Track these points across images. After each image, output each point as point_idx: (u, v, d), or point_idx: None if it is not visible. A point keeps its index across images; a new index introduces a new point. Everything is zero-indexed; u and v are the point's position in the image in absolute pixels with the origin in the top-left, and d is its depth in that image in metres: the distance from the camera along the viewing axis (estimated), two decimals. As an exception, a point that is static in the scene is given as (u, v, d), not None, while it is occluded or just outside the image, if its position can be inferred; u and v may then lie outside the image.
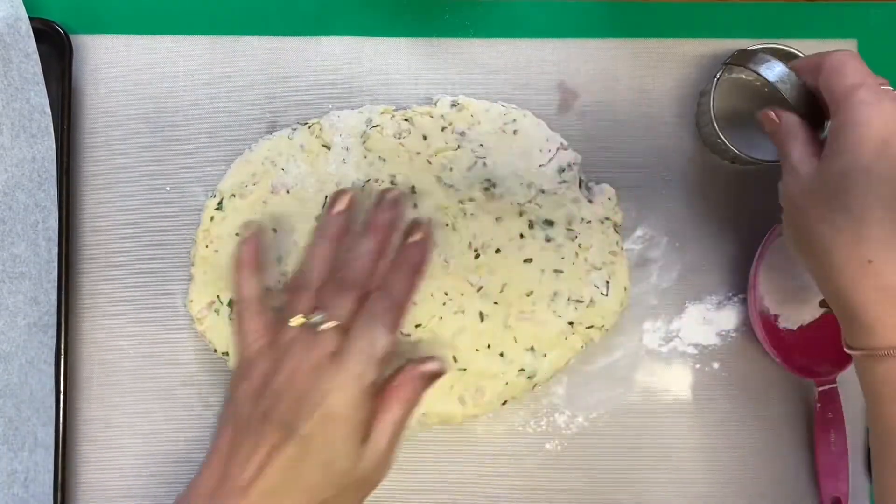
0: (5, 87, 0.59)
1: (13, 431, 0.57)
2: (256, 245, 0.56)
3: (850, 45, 0.62)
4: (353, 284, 0.52)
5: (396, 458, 0.52)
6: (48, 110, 0.59)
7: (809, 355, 0.59)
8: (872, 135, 0.45)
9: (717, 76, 0.57)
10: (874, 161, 0.45)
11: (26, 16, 0.59)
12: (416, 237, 0.55)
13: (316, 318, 0.51)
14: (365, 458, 0.50)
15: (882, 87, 0.48)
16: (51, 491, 0.57)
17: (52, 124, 0.59)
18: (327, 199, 0.58)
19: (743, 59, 0.55)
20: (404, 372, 0.52)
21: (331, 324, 0.51)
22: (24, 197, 0.58)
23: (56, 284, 0.58)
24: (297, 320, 0.52)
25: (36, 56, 0.59)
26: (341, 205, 0.56)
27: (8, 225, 0.58)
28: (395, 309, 0.52)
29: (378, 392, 0.51)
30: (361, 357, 0.50)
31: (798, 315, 0.60)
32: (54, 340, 0.58)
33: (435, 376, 0.53)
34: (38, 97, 0.59)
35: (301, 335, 0.51)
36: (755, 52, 0.55)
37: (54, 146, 0.59)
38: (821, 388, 0.58)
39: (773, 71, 0.53)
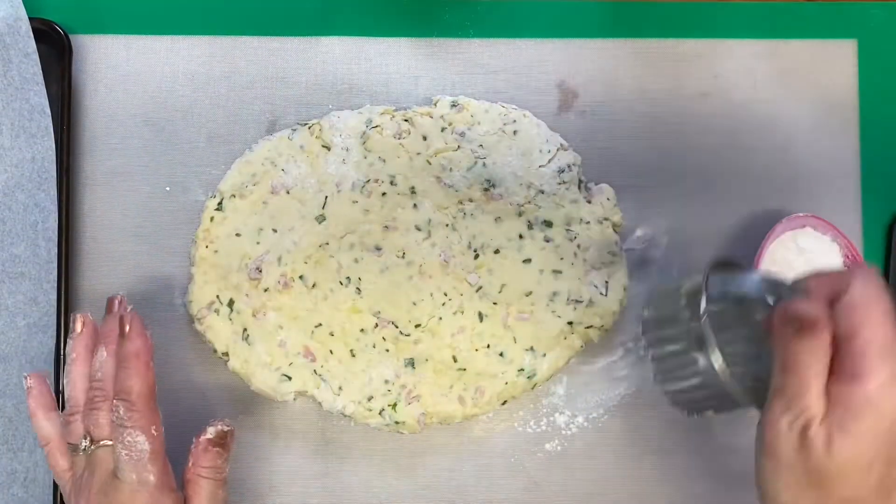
0: (5, 87, 0.59)
1: (13, 431, 0.57)
2: (39, 388, 0.54)
3: (850, 45, 0.62)
4: (103, 398, 0.51)
5: None
6: (48, 110, 0.59)
7: None
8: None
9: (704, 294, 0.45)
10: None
11: (26, 16, 0.59)
12: (127, 329, 0.52)
13: (83, 444, 0.51)
14: None
15: None
16: (51, 491, 0.57)
17: (51, 124, 0.59)
18: (326, 199, 0.58)
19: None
20: (192, 449, 0.52)
21: (98, 445, 0.50)
22: (23, 197, 0.58)
23: (56, 284, 0.58)
24: (74, 451, 0.51)
25: (35, 56, 0.59)
26: (77, 327, 0.54)
27: (8, 225, 0.58)
28: (139, 406, 0.50)
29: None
30: (130, 464, 0.49)
31: None
32: (54, 340, 0.58)
33: (221, 438, 0.52)
34: (38, 97, 0.59)
35: (87, 462, 0.51)
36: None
37: (54, 146, 0.59)
38: None
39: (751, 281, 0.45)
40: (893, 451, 0.41)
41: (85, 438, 0.51)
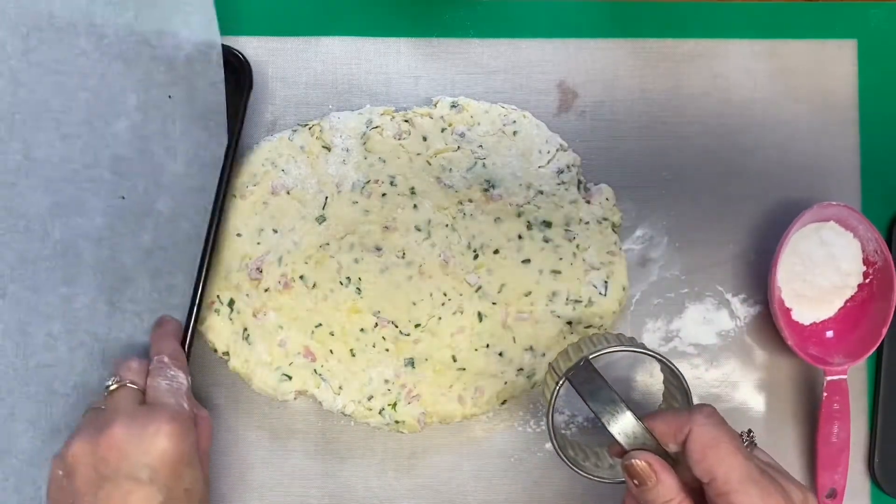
0: (187, 114, 0.57)
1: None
2: None
3: (849, 45, 0.62)
4: (135, 353, 0.54)
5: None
6: (225, 140, 0.58)
7: (822, 346, 0.59)
8: None
9: (556, 390, 0.51)
10: None
11: (220, 44, 0.58)
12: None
13: (110, 383, 0.52)
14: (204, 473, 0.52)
15: (753, 447, 0.47)
16: None
17: (223, 155, 0.58)
18: (327, 199, 0.58)
19: (582, 384, 0.48)
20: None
21: (121, 384, 0.52)
22: (187, 226, 0.57)
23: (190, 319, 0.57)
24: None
25: (222, 86, 0.58)
26: None
27: (170, 253, 0.57)
28: (176, 358, 0.54)
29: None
30: (171, 392, 0.51)
31: (810, 313, 0.60)
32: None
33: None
34: (218, 127, 0.58)
35: (104, 400, 0.52)
36: (595, 381, 0.47)
37: (219, 178, 0.58)
38: (830, 378, 0.58)
39: (618, 422, 0.46)
40: None
41: (110, 379, 0.52)
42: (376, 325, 0.58)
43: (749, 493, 0.42)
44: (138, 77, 0.55)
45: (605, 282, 0.58)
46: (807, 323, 0.60)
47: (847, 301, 0.60)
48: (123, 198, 0.55)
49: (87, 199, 0.54)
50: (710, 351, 0.61)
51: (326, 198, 0.59)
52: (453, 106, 0.60)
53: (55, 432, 0.53)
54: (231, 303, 0.58)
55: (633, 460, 0.45)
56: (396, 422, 0.57)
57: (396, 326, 0.58)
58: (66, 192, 0.54)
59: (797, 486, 0.44)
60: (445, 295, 0.58)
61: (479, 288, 0.58)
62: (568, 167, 0.59)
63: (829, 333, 0.60)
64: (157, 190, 0.56)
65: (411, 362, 0.57)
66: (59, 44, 0.53)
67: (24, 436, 0.53)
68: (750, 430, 0.47)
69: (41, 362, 0.53)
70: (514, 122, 0.60)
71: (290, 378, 0.57)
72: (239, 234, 0.59)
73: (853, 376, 0.60)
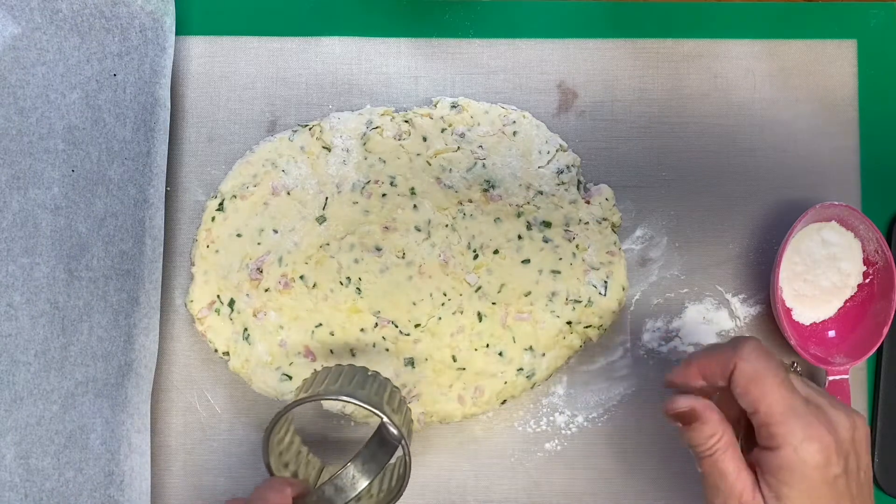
0: (136, 81, 0.58)
1: (110, 433, 0.56)
2: None
3: (850, 45, 0.62)
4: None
5: None
6: (168, 104, 0.59)
7: (823, 346, 0.59)
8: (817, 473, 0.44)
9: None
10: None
11: (174, 10, 0.59)
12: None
13: None
14: None
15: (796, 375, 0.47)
16: (148, 499, 0.56)
17: (169, 118, 0.59)
18: (327, 200, 0.58)
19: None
20: None
21: None
22: (134, 192, 0.58)
23: (159, 285, 0.58)
24: None
25: (171, 51, 0.59)
26: None
27: (120, 220, 0.58)
28: None
29: None
30: None
31: (811, 313, 0.60)
32: (156, 344, 0.58)
33: None
34: (163, 90, 0.59)
35: None
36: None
37: (167, 141, 0.59)
38: (832, 378, 0.58)
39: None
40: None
41: None
42: (376, 325, 0.58)
43: (789, 425, 0.43)
44: (93, 49, 0.58)
45: (605, 282, 0.58)
46: (807, 323, 0.60)
47: (847, 301, 0.60)
48: (73, 171, 0.57)
49: (44, 169, 0.57)
50: (710, 351, 0.61)
51: (326, 198, 0.59)
52: (453, 106, 0.60)
53: (17, 400, 0.55)
54: (231, 303, 0.58)
55: (676, 404, 0.46)
56: (396, 422, 0.57)
57: (396, 326, 0.58)
58: (23, 164, 0.57)
59: (846, 415, 0.45)
60: (445, 295, 0.58)
61: (479, 288, 0.58)
62: (568, 167, 0.59)
63: (831, 333, 0.60)
64: (108, 157, 0.58)
65: (411, 362, 0.57)
66: (15, 21, 0.56)
67: None
68: (794, 362, 0.48)
69: (2, 332, 0.56)
70: (514, 122, 0.60)
71: (290, 378, 0.58)
72: (239, 235, 0.59)
73: (852, 376, 0.60)
